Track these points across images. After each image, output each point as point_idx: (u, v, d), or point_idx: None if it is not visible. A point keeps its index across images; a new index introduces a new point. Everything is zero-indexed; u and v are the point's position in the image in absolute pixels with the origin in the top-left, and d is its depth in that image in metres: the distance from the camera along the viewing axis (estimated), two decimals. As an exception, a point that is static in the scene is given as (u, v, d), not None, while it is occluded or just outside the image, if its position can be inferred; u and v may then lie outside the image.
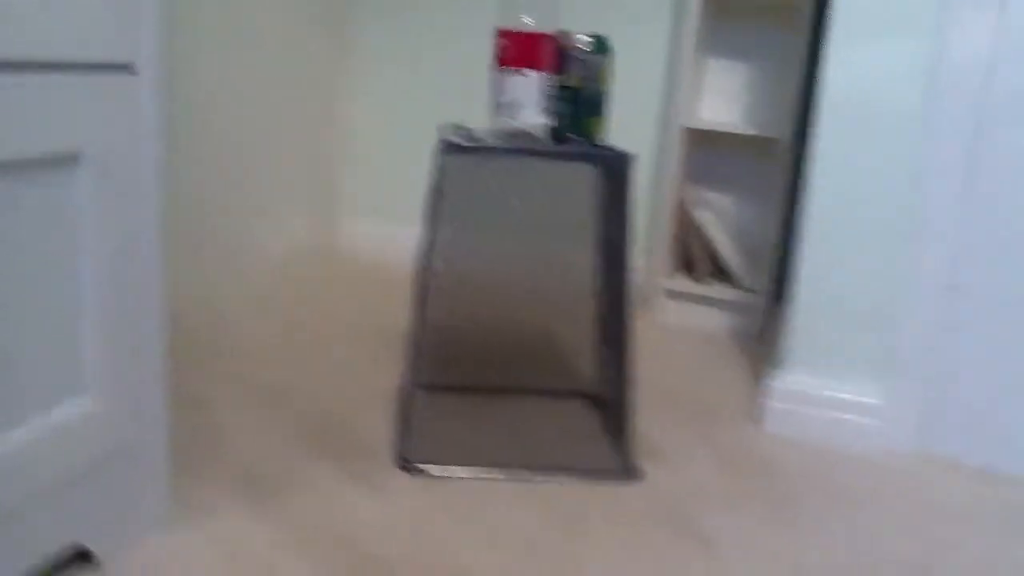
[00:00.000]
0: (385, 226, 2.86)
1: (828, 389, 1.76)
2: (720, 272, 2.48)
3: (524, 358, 1.96)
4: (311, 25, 2.61)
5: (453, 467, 1.51)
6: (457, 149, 1.40)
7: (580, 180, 1.70)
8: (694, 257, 2.47)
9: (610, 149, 1.45)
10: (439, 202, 1.50)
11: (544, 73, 1.40)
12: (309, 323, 2.23)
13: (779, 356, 1.82)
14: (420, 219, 2.76)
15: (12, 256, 0.94)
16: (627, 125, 1.86)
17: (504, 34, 1.40)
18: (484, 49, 2.59)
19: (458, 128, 1.52)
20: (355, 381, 1.86)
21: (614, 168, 1.50)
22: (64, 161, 0.97)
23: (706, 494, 1.50)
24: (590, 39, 1.43)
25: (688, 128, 2.37)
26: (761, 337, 2.38)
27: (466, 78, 2.64)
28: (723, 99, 2.49)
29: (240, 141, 2.38)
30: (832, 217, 1.71)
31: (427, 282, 1.55)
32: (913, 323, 1.69)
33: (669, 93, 2.51)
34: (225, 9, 2.22)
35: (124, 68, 1.03)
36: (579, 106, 1.44)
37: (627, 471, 1.54)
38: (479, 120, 1.47)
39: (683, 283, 2.46)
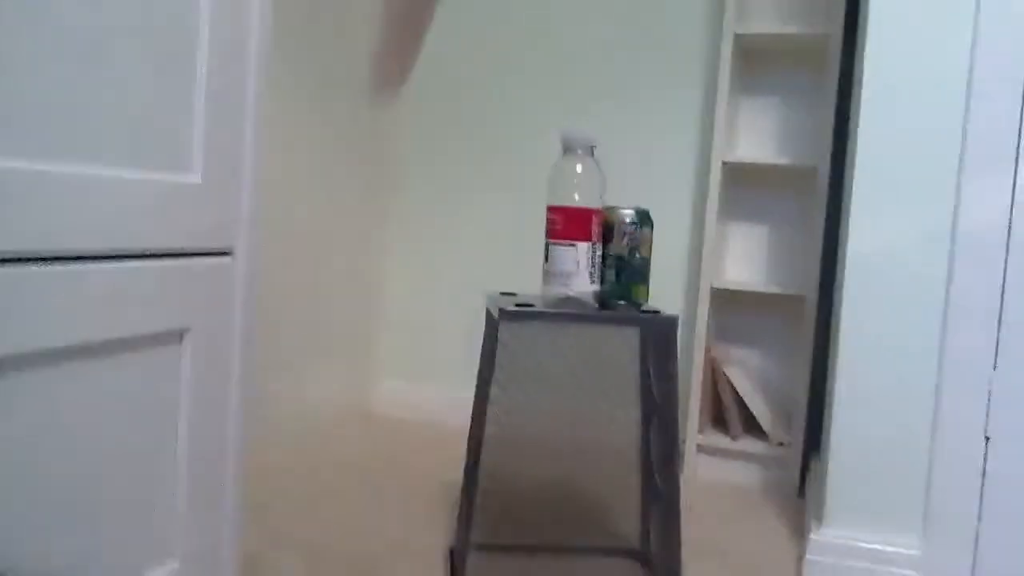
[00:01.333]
0: (417, 386, 2.94)
1: (868, 542, 1.78)
2: (751, 426, 2.53)
3: (571, 516, 1.99)
4: (354, 190, 2.77)
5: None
6: (515, 316, 1.49)
7: (623, 342, 1.78)
8: (726, 412, 2.53)
9: (655, 313, 1.54)
10: (492, 364, 1.57)
11: (592, 244, 1.51)
12: (351, 480, 2.27)
13: (817, 510, 1.85)
14: (451, 380, 2.84)
15: (122, 422, 1.01)
16: (658, 286, 1.96)
17: (555, 210, 1.52)
18: (516, 217, 2.75)
19: (507, 295, 1.61)
20: (400, 539, 1.89)
21: (660, 331, 1.59)
22: (174, 337, 1.06)
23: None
24: (634, 212, 1.55)
25: (715, 288, 2.48)
26: (800, 491, 2.40)
27: (496, 244, 2.78)
28: (746, 260, 2.61)
29: (284, 303, 2.49)
30: (861, 373, 1.78)
31: (480, 442, 1.61)
32: (948, 474, 1.73)
33: (695, 256, 2.63)
34: (272, 166, 2.38)
35: (225, 253, 1.14)
36: (625, 274, 1.54)
37: (682, 629, 1.55)
38: (508, 284, 1.58)
39: (715, 438, 2.50)
